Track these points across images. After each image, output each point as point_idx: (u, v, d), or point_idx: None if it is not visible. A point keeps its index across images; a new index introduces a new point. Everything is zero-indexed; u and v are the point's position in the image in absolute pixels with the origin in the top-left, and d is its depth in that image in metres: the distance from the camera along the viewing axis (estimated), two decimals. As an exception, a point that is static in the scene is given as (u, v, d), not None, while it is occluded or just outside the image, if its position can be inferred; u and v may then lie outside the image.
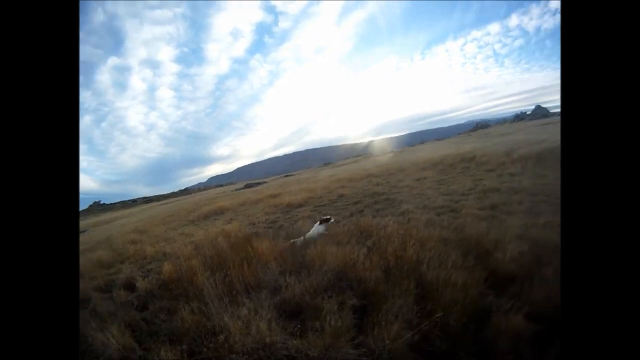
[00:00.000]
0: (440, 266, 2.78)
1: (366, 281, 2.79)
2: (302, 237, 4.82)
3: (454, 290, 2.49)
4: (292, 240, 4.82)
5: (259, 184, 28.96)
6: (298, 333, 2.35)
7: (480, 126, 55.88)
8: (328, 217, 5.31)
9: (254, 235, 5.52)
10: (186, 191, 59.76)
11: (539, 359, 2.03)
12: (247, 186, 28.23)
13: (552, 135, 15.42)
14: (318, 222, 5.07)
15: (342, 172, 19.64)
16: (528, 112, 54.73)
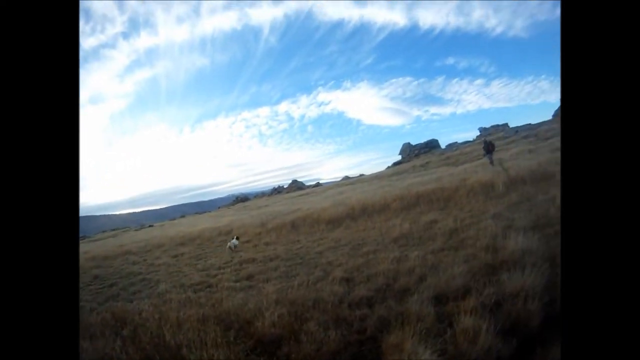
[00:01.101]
0: (202, 346, 2.72)
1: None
2: (230, 242, 9.08)
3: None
4: (228, 245, 9.12)
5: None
6: None
7: (239, 199, 56.87)
8: (237, 236, 9.52)
9: None
10: None
11: None
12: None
13: (305, 204, 19.20)
14: (235, 237, 9.38)
15: (97, 248, 16.81)
16: (285, 186, 59.34)
